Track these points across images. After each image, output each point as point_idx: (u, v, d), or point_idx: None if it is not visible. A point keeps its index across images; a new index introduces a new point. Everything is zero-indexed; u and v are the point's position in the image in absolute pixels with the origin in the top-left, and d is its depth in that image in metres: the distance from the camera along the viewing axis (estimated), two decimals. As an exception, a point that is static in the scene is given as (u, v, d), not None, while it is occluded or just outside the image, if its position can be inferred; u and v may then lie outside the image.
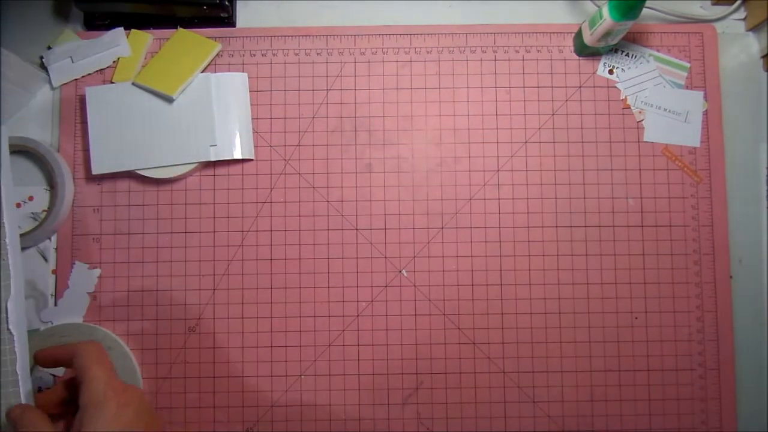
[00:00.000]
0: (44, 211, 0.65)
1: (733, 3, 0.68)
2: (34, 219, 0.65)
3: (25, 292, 0.63)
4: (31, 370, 0.62)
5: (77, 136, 0.66)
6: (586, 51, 0.66)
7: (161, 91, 0.64)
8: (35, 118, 0.67)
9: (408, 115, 0.66)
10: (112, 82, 0.66)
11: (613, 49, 0.67)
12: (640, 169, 0.66)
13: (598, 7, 0.62)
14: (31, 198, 0.65)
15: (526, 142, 0.66)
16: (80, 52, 0.67)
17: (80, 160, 0.66)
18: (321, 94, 0.67)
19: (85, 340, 0.63)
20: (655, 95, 0.66)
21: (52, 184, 0.65)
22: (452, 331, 0.64)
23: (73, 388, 0.51)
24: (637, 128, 0.66)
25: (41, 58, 0.67)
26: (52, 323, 0.64)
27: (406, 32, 0.67)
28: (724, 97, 0.67)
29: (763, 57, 0.68)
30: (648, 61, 0.67)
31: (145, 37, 0.67)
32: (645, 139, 0.66)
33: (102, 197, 0.66)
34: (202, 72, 0.66)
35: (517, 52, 0.67)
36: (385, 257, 0.65)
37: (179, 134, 0.64)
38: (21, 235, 0.63)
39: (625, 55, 0.67)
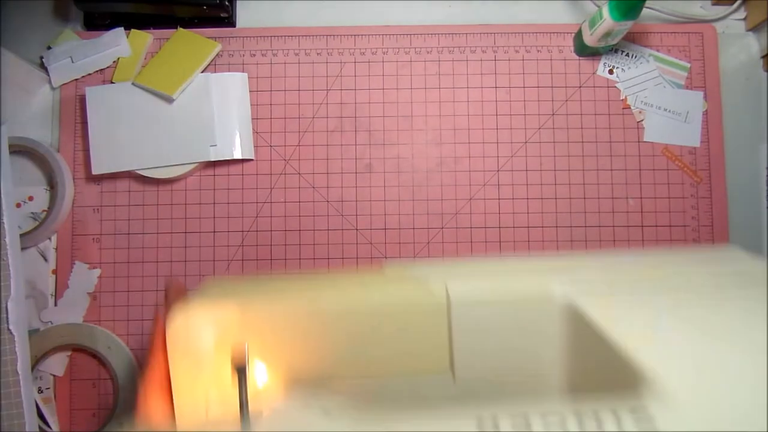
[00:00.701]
0: (44, 211, 0.65)
1: (733, 3, 0.68)
2: (34, 219, 0.65)
3: (25, 292, 0.63)
4: (32, 369, 0.63)
5: (77, 136, 0.66)
6: (586, 51, 0.66)
7: (161, 91, 0.64)
8: (35, 118, 0.67)
9: (408, 115, 0.66)
10: (112, 83, 0.66)
11: (613, 49, 0.67)
12: (640, 169, 0.66)
13: (598, 7, 0.62)
14: (31, 198, 0.65)
15: (526, 142, 0.66)
16: (80, 53, 0.67)
17: (80, 160, 0.66)
18: (321, 94, 0.67)
19: (85, 339, 0.63)
20: (655, 95, 0.66)
21: (52, 184, 0.65)
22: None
23: None
24: (637, 128, 0.66)
25: (41, 58, 0.67)
26: (52, 323, 0.64)
27: (406, 32, 0.67)
28: (724, 97, 0.67)
29: (763, 57, 0.68)
30: (648, 61, 0.67)
31: (145, 37, 0.67)
32: (645, 139, 0.66)
33: (102, 197, 0.66)
34: (202, 72, 0.66)
35: (517, 52, 0.67)
36: (385, 257, 0.65)
37: (179, 134, 0.64)
38: (21, 235, 0.63)
39: (625, 55, 0.67)
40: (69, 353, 0.64)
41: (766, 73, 0.68)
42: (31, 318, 0.64)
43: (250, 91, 0.67)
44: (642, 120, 0.66)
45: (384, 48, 0.67)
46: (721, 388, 0.29)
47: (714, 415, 0.28)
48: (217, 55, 0.67)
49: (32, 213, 0.65)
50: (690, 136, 0.66)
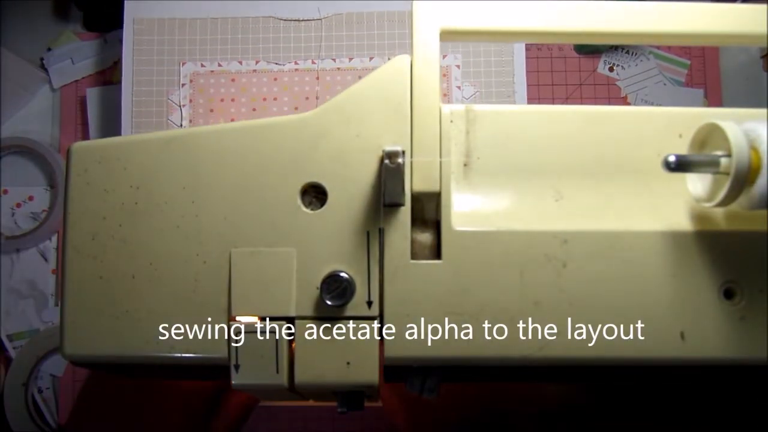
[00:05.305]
0: (44, 211, 0.65)
1: (733, 2, 0.68)
2: (34, 219, 0.65)
3: (25, 292, 0.63)
4: (32, 370, 0.62)
5: (77, 137, 0.66)
6: (586, 48, 0.66)
7: (161, 90, 0.64)
8: (35, 118, 0.67)
9: (408, 113, 0.66)
10: (112, 83, 0.66)
11: (614, 47, 0.67)
12: (641, 167, 0.66)
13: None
14: (31, 198, 0.65)
15: (526, 141, 0.66)
16: (80, 54, 0.67)
17: (80, 160, 0.66)
18: (321, 93, 0.67)
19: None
20: (655, 93, 0.66)
21: (52, 184, 0.65)
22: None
23: None
24: (638, 126, 0.66)
25: (41, 59, 0.67)
26: (52, 323, 0.64)
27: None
28: (724, 97, 0.67)
29: (763, 57, 0.68)
30: (648, 59, 0.67)
31: (145, 38, 0.67)
32: (646, 137, 0.66)
33: (102, 197, 0.65)
34: (202, 72, 0.66)
35: (517, 50, 0.67)
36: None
37: (179, 134, 0.64)
38: (21, 235, 0.63)
39: (626, 53, 0.67)
40: (69, 354, 0.64)
41: (766, 73, 0.68)
42: (31, 318, 0.63)
43: (250, 91, 0.67)
44: (642, 118, 0.66)
45: (384, 47, 0.67)
46: None
47: None
48: (217, 54, 0.67)
49: (32, 213, 0.65)
50: (691, 133, 0.66)
